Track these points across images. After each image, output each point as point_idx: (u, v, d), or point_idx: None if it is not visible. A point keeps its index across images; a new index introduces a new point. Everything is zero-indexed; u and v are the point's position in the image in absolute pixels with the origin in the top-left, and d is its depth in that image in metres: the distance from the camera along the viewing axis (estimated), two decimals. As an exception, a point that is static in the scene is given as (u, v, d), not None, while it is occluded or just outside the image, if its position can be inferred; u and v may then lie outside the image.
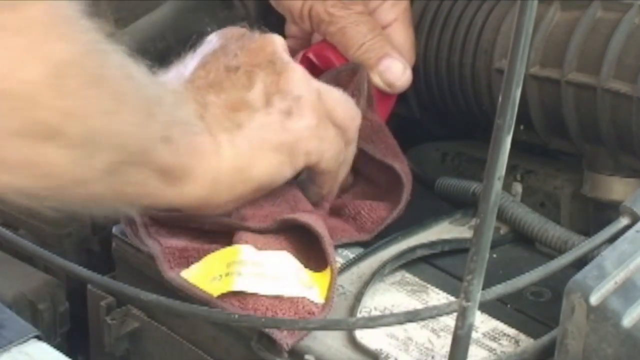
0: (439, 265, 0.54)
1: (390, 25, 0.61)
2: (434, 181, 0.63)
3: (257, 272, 0.46)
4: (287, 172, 0.48)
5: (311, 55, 0.61)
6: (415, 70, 0.66)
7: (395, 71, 0.58)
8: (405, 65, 0.59)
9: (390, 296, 0.51)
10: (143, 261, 0.53)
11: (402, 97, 0.68)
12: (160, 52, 0.68)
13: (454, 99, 0.66)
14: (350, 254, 0.54)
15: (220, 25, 0.69)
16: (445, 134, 0.70)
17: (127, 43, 0.70)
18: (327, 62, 0.61)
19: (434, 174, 0.64)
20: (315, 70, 0.61)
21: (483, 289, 0.37)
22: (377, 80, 0.59)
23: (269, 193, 0.49)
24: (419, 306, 0.49)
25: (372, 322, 0.42)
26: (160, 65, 0.67)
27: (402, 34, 0.61)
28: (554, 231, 0.54)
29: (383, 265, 0.52)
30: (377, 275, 0.51)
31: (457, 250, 0.55)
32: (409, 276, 0.53)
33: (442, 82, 0.65)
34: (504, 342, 0.46)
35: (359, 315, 0.48)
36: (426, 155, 0.68)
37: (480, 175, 0.59)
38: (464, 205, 0.59)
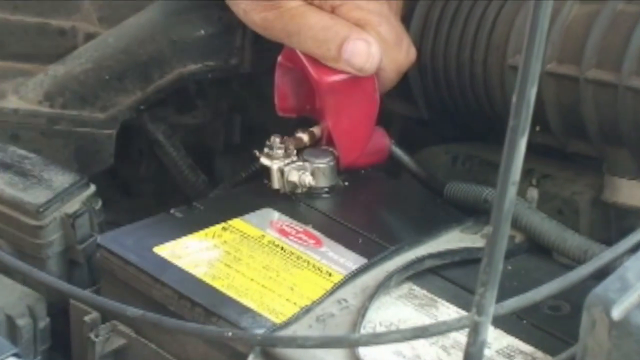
0: (449, 277, 0.54)
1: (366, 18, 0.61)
2: (443, 186, 0.63)
3: None
4: None
5: (283, 61, 0.64)
6: (423, 67, 0.66)
7: (360, 53, 0.58)
8: (368, 41, 0.58)
9: (397, 310, 0.51)
10: (130, 273, 0.54)
11: (409, 97, 0.69)
12: (150, 55, 0.69)
13: (465, 98, 0.66)
14: (352, 264, 0.55)
15: (215, 27, 0.70)
16: (455, 136, 0.70)
17: (112, 45, 0.72)
18: (299, 64, 0.63)
19: (443, 179, 0.65)
20: (293, 74, 0.64)
21: (497, 302, 0.37)
22: (348, 69, 0.60)
23: None
24: (428, 321, 0.50)
25: (376, 339, 0.42)
26: (150, 67, 0.71)
27: (384, 28, 0.61)
28: (573, 240, 0.54)
29: (389, 277, 0.53)
30: (382, 287, 0.52)
31: (468, 260, 0.55)
32: (416, 289, 0.53)
33: (452, 80, 0.66)
34: (520, 359, 0.46)
35: (362, 331, 0.48)
36: (435, 158, 0.68)
37: (493, 180, 0.59)
38: (476, 213, 0.60)
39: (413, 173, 0.66)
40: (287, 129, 0.66)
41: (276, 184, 0.62)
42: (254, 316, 0.50)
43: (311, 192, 0.63)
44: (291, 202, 0.62)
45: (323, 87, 0.63)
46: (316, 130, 0.66)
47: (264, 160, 0.63)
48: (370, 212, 0.64)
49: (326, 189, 0.63)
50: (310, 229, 0.59)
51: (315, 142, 0.66)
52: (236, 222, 0.59)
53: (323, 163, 0.63)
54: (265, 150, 0.63)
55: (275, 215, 0.60)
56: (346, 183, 0.65)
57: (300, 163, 0.63)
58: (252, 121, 0.84)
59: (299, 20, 0.59)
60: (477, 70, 0.64)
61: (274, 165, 0.62)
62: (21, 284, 0.56)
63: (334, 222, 0.60)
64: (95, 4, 0.73)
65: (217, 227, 0.58)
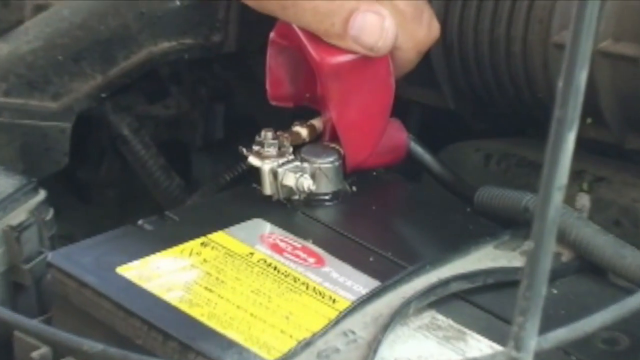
0: (481, 303, 0.55)
1: None
2: (474, 191, 0.63)
3: None
4: None
5: (277, 38, 0.65)
6: (448, 46, 0.67)
7: (370, 28, 0.59)
8: (381, 13, 0.59)
9: (416, 344, 0.51)
10: (88, 299, 0.54)
11: (431, 82, 0.69)
12: (113, 31, 0.70)
13: (500, 83, 0.66)
14: (362, 288, 0.55)
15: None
16: (487, 129, 0.71)
17: (66, 19, 0.72)
18: (296, 42, 0.63)
19: (473, 182, 0.65)
20: (289, 54, 0.65)
21: (539, 334, 0.37)
22: (356, 48, 0.60)
23: None
24: (454, 358, 0.50)
25: (391, 380, 0.43)
26: (113, 45, 0.70)
27: None
28: (633, 258, 0.54)
29: (407, 304, 0.53)
30: (398, 316, 0.52)
31: (504, 283, 0.55)
32: (440, 318, 0.53)
33: (484, 61, 0.66)
34: (567, 404, 0.48)
35: (374, 370, 0.49)
36: (464, 157, 0.69)
37: (534, 183, 0.60)
38: (513, 224, 0.60)
39: (436, 175, 0.67)
40: (281, 121, 0.66)
41: (268, 188, 0.63)
42: (241, 352, 0.50)
43: (311, 199, 0.63)
44: (286, 211, 0.63)
45: (325, 70, 0.63)
46: (317, 122, 0.66)
47: (253, 160, 0.63)
48: (384, 224, 0.64)
49: (329, 196, 0.64)
50: (309, 244, 0.59)
51: (316, 138, 0.66)
52: (219, 236, 0.59)
53: (326, 163, 0.64)
54: (255, 147, 0.64)
55: (267, 227, 0.61)
56: (354, 188, 0.65)
57: (297, 163, 0.63)
58: (238, 112, 0.84)
59: None
60: (515, 49, 0.64)
61: (266, 166, 0.63)
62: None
63: (339, 236, 0.61)
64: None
65: (196, 243, 0.58)
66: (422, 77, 0.68)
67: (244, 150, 0.64)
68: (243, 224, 0.61)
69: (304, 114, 0.67)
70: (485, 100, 0.68)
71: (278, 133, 0.64)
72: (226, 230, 0.60)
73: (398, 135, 0.67)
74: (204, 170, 0.84)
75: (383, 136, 0.66)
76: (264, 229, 0.61)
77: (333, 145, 0.65)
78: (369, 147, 0.65)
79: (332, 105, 0.64)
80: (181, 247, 0.58)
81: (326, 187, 0.64)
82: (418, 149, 0.67)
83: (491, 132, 0.70)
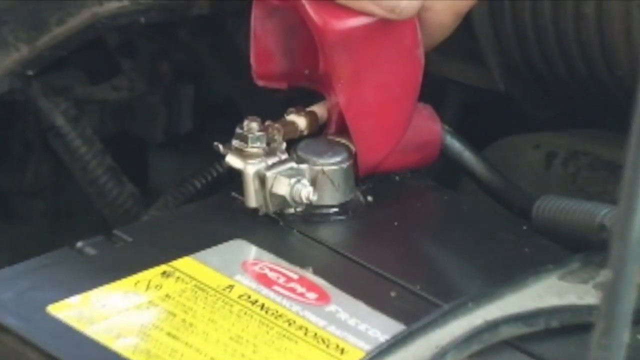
0: (541, 353, 0.55)
1: None
2: (532, 202, 0.64)
3: None
4: None
5: None
6: (497, 8, 0.67)
7: None
8: None
9: (455, 410, 0.53)
10: (10, 348, 0.54)
11: (474, 55, 0.70)
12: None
13: (566, 56, 0.66)
14: (380, 333, 0.55)
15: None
16: (549, 119, 0.71)
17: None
18: (291, 1, 0.64)
19: (531, 190, 0.65)
20: (280, 18, 0.66)
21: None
22: (372, 8, 0.62)
23: None
24: None
25: None
26: (44, 11, 0.69)
27: None
28: None
29: (441, 355, 0.53)
30: (431, 370, 0.52)
31: (572, 327, 0.55)
32: (487, 374, 0.54)
33: (545, 27, 0.66)
34: None
35: None
36: (518, 156, 0.69)
37: (613, 192, 0.61)
38: (585, 247, 0.61)
39: (480, 180, 0.67)
40: (271, 108, 0.67)
41: (253, 199, 0.63)
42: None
43: (311, 214, 0.64)
44: (278, 229, 0.63)
45: (331, 38, 0.63)
46: (319, 109, 0.67)
47: (233, 160, 0.64)
48: (410, 247, 0.65)
49: (336, 209, 0.64)
50: (309, 274, 0.59)
51: (317, 130, 0.67)
52: (186, 263, 0.59)
53: (331, 164, 0.64)
54: (235, 142, 0.64)
55: (252, 251, 0.61)
56: (369, 198, 0.66)
57: (292, 165, 0.64)
58: (212, 95, 0.85)
59: None
60: (588, 10, 0.64)
61: (250, 168, 0.63)
62: None
63: (349, 263, 0.61)
64: None
65: (155, 272, 0.58)
66: (462, 48, 0.69)
67: (220, 146, 0.64)
68: (219, 247, 0.61)
69: (302, 98, 0.67)
70: (546, 79, 0.68)
71: (266, 123, 0.65)
72: (196, 255, 0.60)
73: (429, 127, 0.67)
74: (166, 173, 0.85)
75: (408, 127, 0.66)
76: (247, 254, 0.61)
77: (341, 139, 0.66)
78: (389, 143, 0.66)
79: (339, 86, 0.65)
80: (135, 277, 0.58)
81: (332, 196, 0.64)
82: (456, 145, 0.67)
83: (554, 123, 0.71)
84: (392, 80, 0.65)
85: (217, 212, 0.64)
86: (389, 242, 0.64)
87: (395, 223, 0.65)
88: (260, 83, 0.67)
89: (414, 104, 0.66)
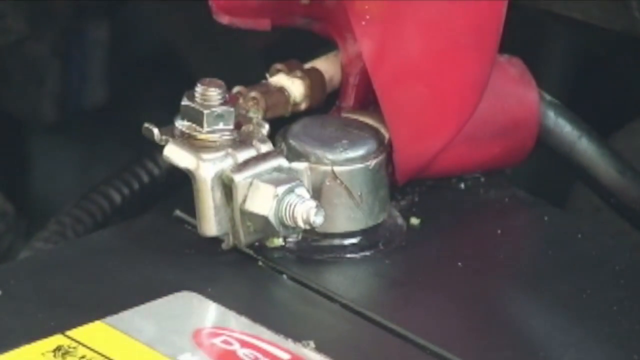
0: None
1: None
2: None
3: None
4: None
5: None
6: None
7: None
8: None
9: None
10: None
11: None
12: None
13: None
14: None
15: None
16: None
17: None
18: None
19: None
20: None
21: None
22: None
23: None
24: None
25: None
26: None
27: None
28: None
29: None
30: None
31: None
32: None
33: None
34: None
35: None
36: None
37: None
38: None
39: (605, 187, 0.68)
40: (242, 63, 0.69)
41: (211, 222, 0.63)
42: None
43: (314, 247, 0.65)
44: (255, 274, 0.64)
45: None
46: (326, 66, 0.69)
47: (176, 154, 0.64)
48: (483, 302, 0.64)
49: (357, 239, 0.65)
50: (309, 353, 0.59)
51: (323, 102, 0.68)
52: (95, 333, 0.59)
53: (348, 162, 0.65)
54: (180, 124, 0.64)
55: (209, 312, 0.61)
56: (414, 221, 0.67)
57: (281, 162, 0.64)
58: (140, 43, 0.87)
59: None
60: None
61: (205, 169, 0.63)
62: None
63: (378, 334, 0.61)
64: None
65: (41, 347, 0.58)
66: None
67: (154, 131, 0.64)
68: (154, 305, 0.61)
69: (294, 47, 0.69)
70: None
71: (235, 90, 0.66)
72: (113, 318, 0.60)
73: (519, 96, 0.69)
74: (62, 177, 0.86)
75: (482, 99, 0.67)
76: (201, 317, 0.61)
77: (364, 119, 0.67)
78: (448, 125, 0.67)
79: (362, 25, 0.66)
80: (7, 356, 0.58)
81: (349, 217, 0.65)
82: (565, 129, 0.68)
83: None
84: (453, 17, 0.66)
85: (149, 244, 0.65)
86: (447, 299, 0.65)
87: (459, 264, 0.66)
88: (224, 20, 0.69)
89: (493, 59, 0.68)
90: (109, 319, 0.60)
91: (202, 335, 0.60)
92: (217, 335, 0.60)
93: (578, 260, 0.67)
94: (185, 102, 0.64)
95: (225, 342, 0.60)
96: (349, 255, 0.64)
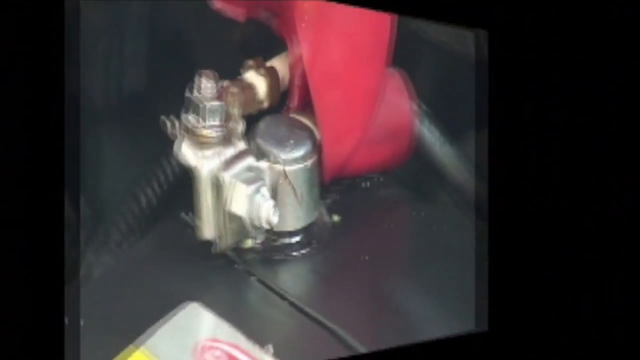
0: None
1: None
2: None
3: None
4: None
5: None
6: None
7: None
8: None
9: None
10: None
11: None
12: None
13: None
14: None
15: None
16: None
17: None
18: None
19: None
20: None
21: None
22: None
23: None
24: None
25: None
26: None
27: None
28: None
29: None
30: None
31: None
32: None
33: None
34: None
35: None
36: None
37: None
38: None
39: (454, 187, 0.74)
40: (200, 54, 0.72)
41: (209, 225, 0.67)
42: None
43: (272, 248, 0.70)
44: (236, 278, 0.68)
45: None
46: (280, 65, 0.72)
47: (179, 150, 0.67)
48: (376, 294, 0.71)
49: (299, 237, 0.71)
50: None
51: (278, 99, 0.72)
52: None
53: (294, 162, 0.69)
54: (184, 117, 0.67)
55: (207, 326, 0.64)
56: (336, 218, 0.73)
57: (251, 162, 0.68)
58: None
59: None
60: None
61: (206, 169, 0.66)
62: None
63: (315, 330, 0.66)
64: None
65: None
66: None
67: (168, 124, 0.68)
68: (172, 322, 0.63)
69: (263, 42, 0.73)
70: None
71: (221, 85, 0.68)
72: (147, 345, 0.62)
73: (403, 103, 0.74)
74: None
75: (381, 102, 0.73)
76: (201, 331, 0.63)
77: (303, 119, 0.71)
78: (360, 123, 0.72)
79: (303, 26, 0.69)
80: None
81: (294, 216, 0.69)
82: (434, 133, 0.74)
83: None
84: (360, 30, 0.70)
85: (162, 252, 0.69)
86: (357, 290, 0.71)
87: (366, 258, 0.71)
88: (217, 5, 0.72)
89: (385, 70, 0.73)
90: (142, 347, 0.61)
91: (198, 351, 0.62)
92: (210, 348, 0.62)
93: (444, 249, 0.72)
94: (187, 94, 0.67)
95: (217, 357, 0.62)
96: (294, 254, 0.69)
